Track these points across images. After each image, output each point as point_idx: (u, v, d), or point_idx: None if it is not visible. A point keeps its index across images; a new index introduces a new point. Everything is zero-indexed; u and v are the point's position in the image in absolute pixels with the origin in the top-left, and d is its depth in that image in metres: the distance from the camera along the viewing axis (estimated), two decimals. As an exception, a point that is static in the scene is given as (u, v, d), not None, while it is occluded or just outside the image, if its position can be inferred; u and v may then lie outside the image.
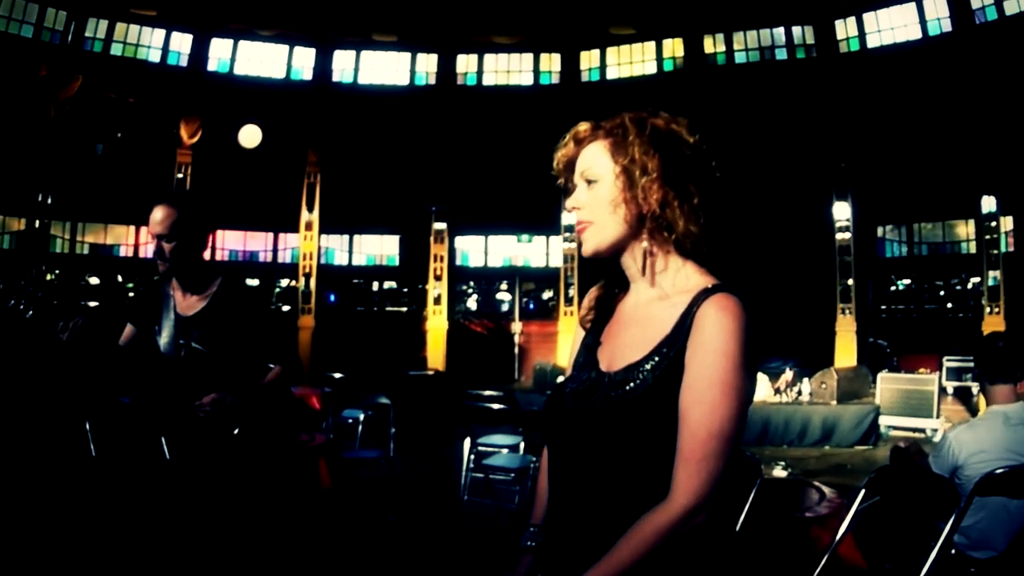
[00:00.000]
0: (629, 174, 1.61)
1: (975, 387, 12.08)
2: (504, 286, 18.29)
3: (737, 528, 2.95)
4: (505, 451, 6.51)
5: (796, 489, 4.21)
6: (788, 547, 3.60)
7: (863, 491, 3.41)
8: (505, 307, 18.17)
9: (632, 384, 1.56)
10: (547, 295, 18.21)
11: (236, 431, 3.12)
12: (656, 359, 1.56)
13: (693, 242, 1.62)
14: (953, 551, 3.36)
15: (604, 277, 1.79)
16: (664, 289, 1.64)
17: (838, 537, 3.31)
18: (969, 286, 14.96)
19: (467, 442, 6.25)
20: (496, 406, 5.95)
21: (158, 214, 3.13)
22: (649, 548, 1.48)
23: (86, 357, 2.97)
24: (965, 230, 14.81)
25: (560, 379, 1.88)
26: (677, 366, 1.53)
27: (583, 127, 1.73)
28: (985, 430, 3.54)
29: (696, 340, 1.52)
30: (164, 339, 3.23)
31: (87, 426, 5.30)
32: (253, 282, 15.95)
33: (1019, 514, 3.38)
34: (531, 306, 18.00)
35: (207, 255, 3.39)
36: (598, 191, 1.65)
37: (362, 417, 7.07)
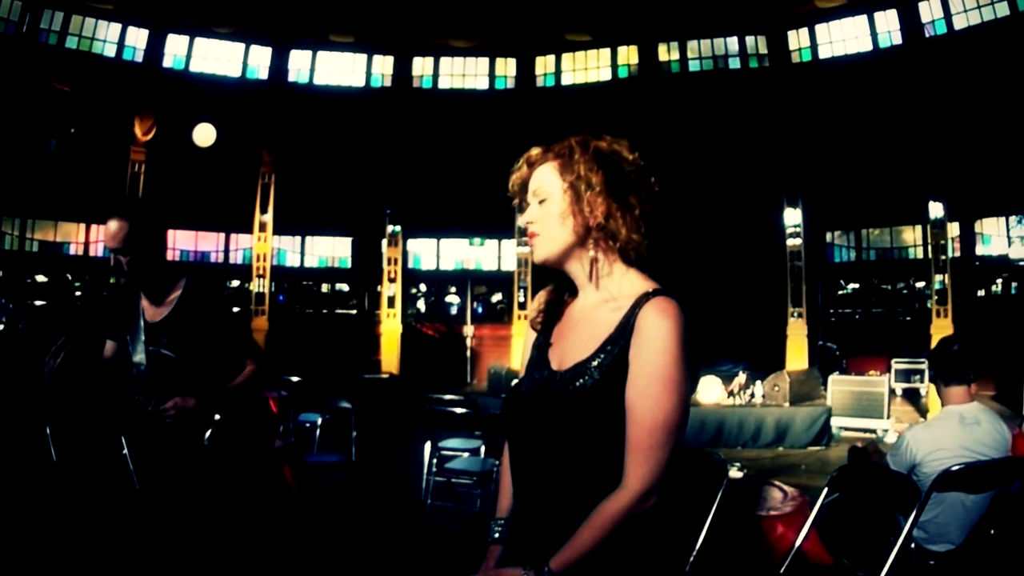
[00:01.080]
0: (576, 189, 1.77)
1: (923, 388, 12.40)
2: (453, 289, 18.25)
3: (705, 527, 3.01)
4: (466, 455, 6.52)
5: (759, 488, 4.29)
6: (755, 544, 3.67)
7: (826, 489, 3.49)
8: (454, 310, 18.13)
9: (581, 381, 1.71)
10: (496, 298, 18.24)
11: (207, 436, 3.07)
12: (602, 356, 1.71)
13: (636, 249, 1.79)
14: (912, 545, 3.45)
15: (554, 282, 1.94)
16: (610, 292, 1.79)
17: (803, 534, 3.39)
18: (916, 290, 15.36)
19: (427, 446, 6.22)
20: (458, 410, 5.95)
21: (111, 227, 3.07)
22: (608, 531, 1.63)
23: (68, 389, 2.91)
24: (912, 236, 15.15)
25: (515, 381, 1.98)
26: (621, 363, 1.68)
27: (535, 151, 1.87)
28: (941, 429, 3.66)
29: (638, 339, 1.67)
30: (135, 347, 3.19)
31: (48, 431, 5.17)
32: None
33: (975, 508, 3.52)
34: (480, 309, 17.95)
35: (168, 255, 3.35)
36: (548, 207, 1.81)
37: (320, 421, 7.01)
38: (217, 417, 3.11)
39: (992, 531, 3.60)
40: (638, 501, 1.63)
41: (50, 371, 2.87)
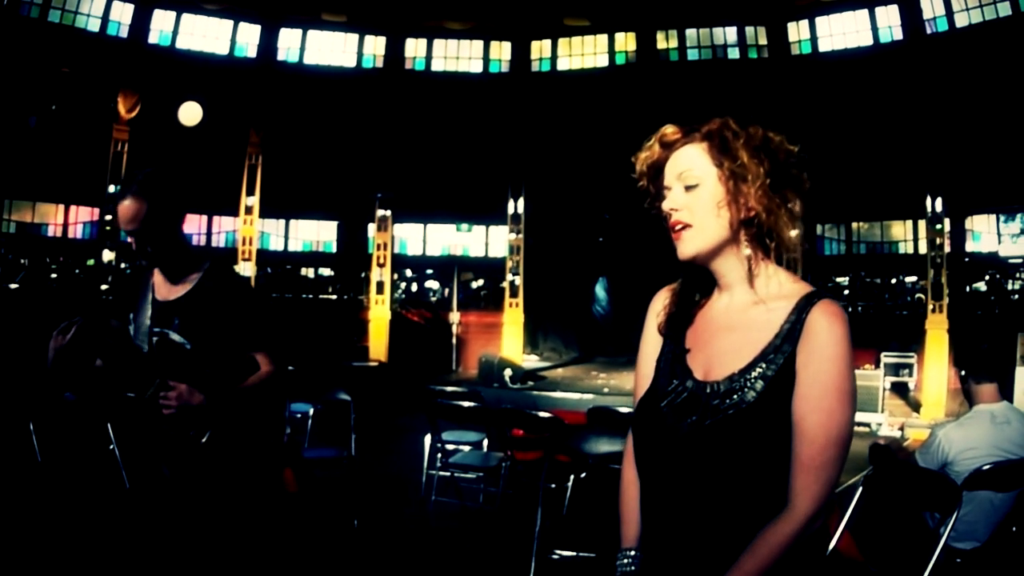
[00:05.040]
0: (737, 177, 1.58)
1: (912, 382, 12.45)
2: (433, 274, 18.18)
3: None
4: (467, 448, 6.34)
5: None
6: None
7: (860, 488, 3.44)
8: (433, 297, 18.02)
9: (739, 394, 1.55)
10: (476, 284, 18.24)
11: (204, 438, 2.74)
12: (763, 366, 1.55)
13: (790, 250, 1.63)
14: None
15: (681, 280, 1.76)
16: (759, 295, 1.62)
17: (838, 533, 3.34)
18: (904, 284, 15.42)
19: (427, 439, 6.00)
20: (466, 404, 5.72)
21: (127, 210, 2.75)
22: (775, 558, 1.47)
23: (71, 371, 2.66)
24: (902, 230, 15.23)
25: (641, 391, 1.75)
26: (788, 373, 1.53)
27: (670, 130, 1.68)
28: (973, 428, 3.71)
29: (809, 346, 1.52)
30: (138, 327, 2.89)
31: (31, 427, 4.85)
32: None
33: (1003, 507, 3.58)
34: (461, 296, 17.83)
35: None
36: (700, 194, 1.61)
37: (312, 412, 6.75)
38: (220, 420, 2.77)
39: (1015, 528, 3.64)
40: (807, 525, 1.48)
41: (56, 349, 2.54)
